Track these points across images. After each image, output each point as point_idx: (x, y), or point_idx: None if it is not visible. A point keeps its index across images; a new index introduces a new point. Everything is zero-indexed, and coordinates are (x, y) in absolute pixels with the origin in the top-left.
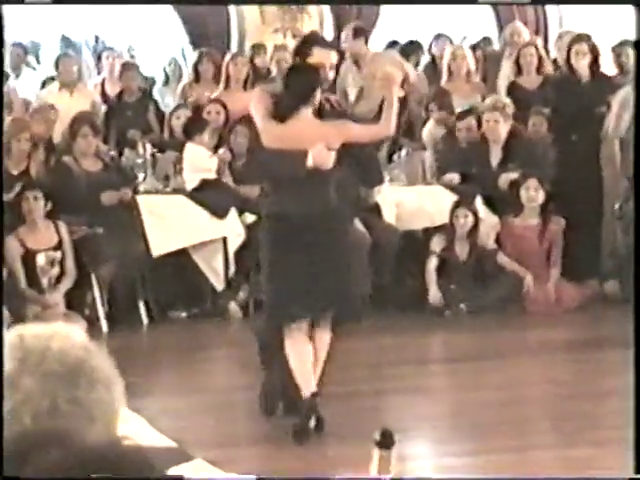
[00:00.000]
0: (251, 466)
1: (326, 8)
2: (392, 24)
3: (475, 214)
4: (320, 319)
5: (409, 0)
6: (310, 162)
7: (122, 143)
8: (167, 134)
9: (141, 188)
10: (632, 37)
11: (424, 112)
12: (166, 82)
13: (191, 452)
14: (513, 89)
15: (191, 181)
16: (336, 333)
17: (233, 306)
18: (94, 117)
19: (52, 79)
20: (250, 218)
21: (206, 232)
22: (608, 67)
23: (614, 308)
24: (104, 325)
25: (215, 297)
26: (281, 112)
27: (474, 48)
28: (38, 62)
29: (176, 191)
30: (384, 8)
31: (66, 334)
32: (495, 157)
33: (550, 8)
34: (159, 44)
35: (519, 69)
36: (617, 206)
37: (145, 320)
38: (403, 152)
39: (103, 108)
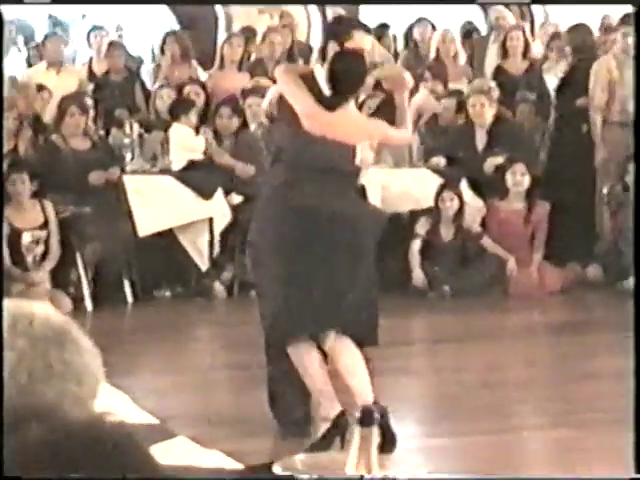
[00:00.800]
0: (233, 444)
1: None
2: (374, 8)
3: (460, 197)
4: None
5: (409, 0)
6: (359, 157)
7: (109, 122)
8: (153, 114)
9: (128, 168)
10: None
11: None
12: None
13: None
14: (499, 73)
15: (178, 161)
16: None
17: (218, 286)
18: (82, 96)
19: (39, 58)
20: (237, 199)
21: (192, 212)
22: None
23: (596, 292)
24: (89, 304)
25: (200, 277)
26: (328, 100)
27: (467, 33)
28: (26, 42)
29: (163, 171)
30: None
31: (45, 309)
32: (480, 141)
33: None
34: (148, 24)
35: (505, 53)
36: (605, 190)
37: (130, 299)
38: None
39: (90, 87)
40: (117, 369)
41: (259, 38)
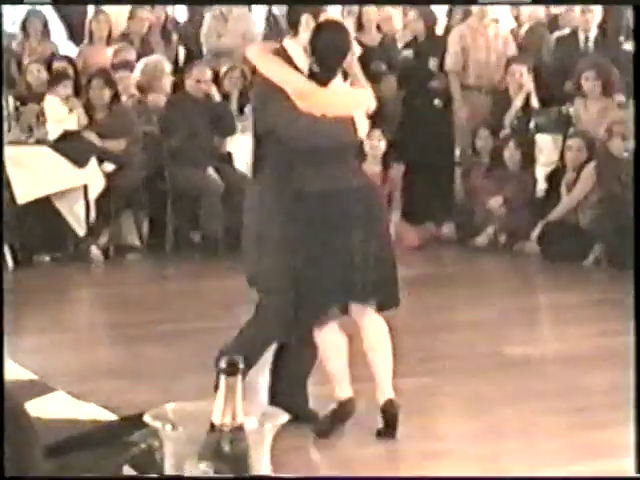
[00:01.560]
0: (111, 398)
1: None
2: None
3: None
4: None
5: (409, 0)
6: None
7: None
8: (24, 88)
9: (5, 139)
10: None
11: None
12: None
13: (53, 385)
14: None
15: (53, 132)
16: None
17: (94, 250)
18: None
19: None
20: (109, 167)
21: (67, 180)
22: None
23: (449, 249)
24: None
25: (77, 242)
26: (318, 75)
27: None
28: None
29: (39, 142)
30: None
31: None
32: None
33: None
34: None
35: (361, 26)
36: (457, 152)
37: (10, 264)
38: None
39: None
40: None
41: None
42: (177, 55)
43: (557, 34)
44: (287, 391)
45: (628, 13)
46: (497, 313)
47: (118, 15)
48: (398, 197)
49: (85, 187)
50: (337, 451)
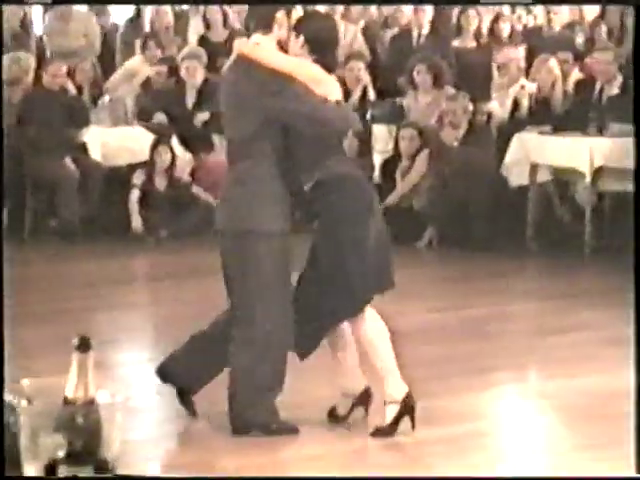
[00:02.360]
0: None
1: None
2: None
3: (172, 151)
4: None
5: (414, 1)
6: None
7: None
8: None
9: None
10: None
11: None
12: None
13: None
14: (203, 42)
15: None
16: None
17: None
18: None
19: None
20: None
21: None
22: None
23: (294, 234)
24: None
25: None
26: (324, 64)
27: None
28: None
29: None
30: None
31: None
32: (191, 100)
33: None
34: None
35: (207, 25)
36: None
37: None
38: (106, 97)
39: None
40: None
41: None
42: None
43: (390, 32)
44: None
45: (454, 13)
46: None
47: None
48: None
49: None
50: None
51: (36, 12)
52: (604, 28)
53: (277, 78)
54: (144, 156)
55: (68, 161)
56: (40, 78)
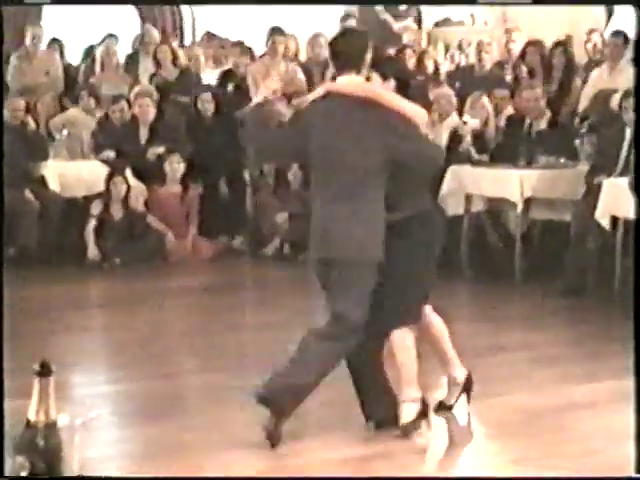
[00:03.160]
0: None
1: None
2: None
3: (127, 182)
4: None
5: (409, 0)
6: None
7: None
8: None
9: None
10: None
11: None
12: None
13: None
14: (155, 79)
15: None
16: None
17: None
18: None
19: None
20: None
21: None
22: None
23: (240, 259)
24: None
25: None
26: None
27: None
28: None
29: None
30: None
31: None
32: (143, 135)
33: (185, 11)
34: None
35: (158, 63)
36: (247, 175)
37: None
38: (65, 132)
39: None
40: None
41: None
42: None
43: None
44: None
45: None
46: (283, 315)
47: None
48: (195, 214)
49: None
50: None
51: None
52: (524, 68)
53: (401, 120)
54: (99, 188)
55: (27, 192)
56: None
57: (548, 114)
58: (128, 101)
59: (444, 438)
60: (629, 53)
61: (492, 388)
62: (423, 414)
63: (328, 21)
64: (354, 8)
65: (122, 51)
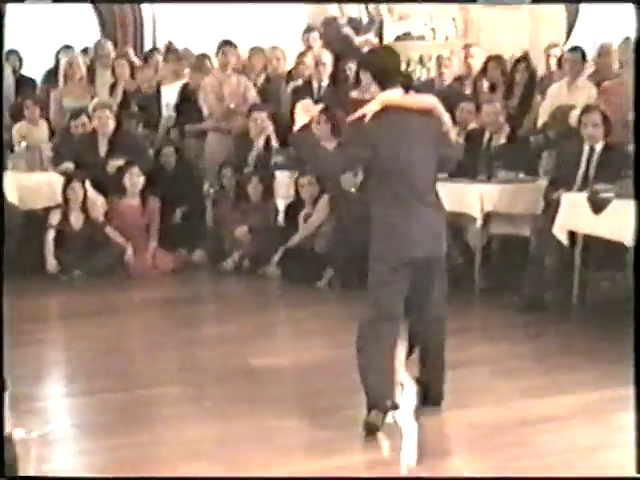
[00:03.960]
0: None
1: None
2: None
3: (85, 189)
4: None
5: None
6: None
7: None
8: None
9: None
10: None
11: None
12: None
13: None
14: (115, 91)
15: None
16: None
17: None
18: None
19: None
20: None
21: None
22: None
23: (200, 272)
24: None
25: None
26: None
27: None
28: None
29: None
30: None
31: None
32: (102, 148)
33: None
34: None
35: (116, 77)
36: (206, 187)
37: None
38: (23, 144)
39: None
40: None
41: None
42: None
43: (292, 84)
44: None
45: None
46: (242, 328)
47: None
48: (155, 227)
49: None
50: None
51: None
52: (485, 83)
53: (443, 128)
54: (59, 200)
55: None
56: None
57: (507, 129)
58: (88, 114)
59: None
60: (588, 70)
61: (452, 402)
62: None
63: (290, 34)
64: (317, 21)
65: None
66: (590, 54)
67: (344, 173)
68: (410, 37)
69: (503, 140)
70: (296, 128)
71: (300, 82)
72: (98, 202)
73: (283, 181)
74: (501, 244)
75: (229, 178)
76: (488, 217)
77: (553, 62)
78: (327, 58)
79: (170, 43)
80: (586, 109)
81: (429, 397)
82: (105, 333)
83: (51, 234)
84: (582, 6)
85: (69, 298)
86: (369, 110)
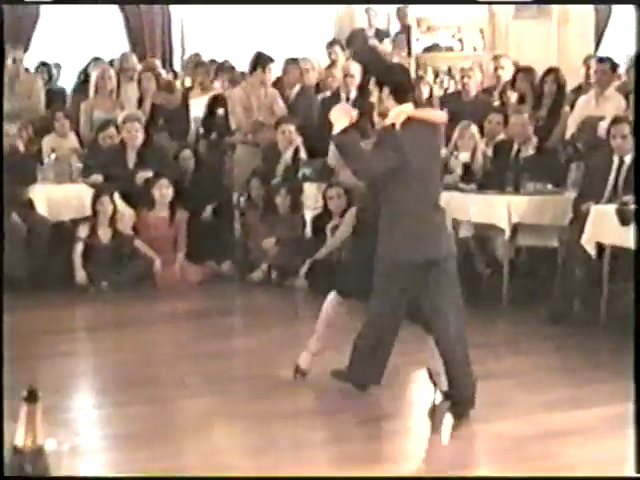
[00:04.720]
0: None
1: None
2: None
3: (114, 205)
4: None
5: (409, 0)
6: None
7: None
8: None
9: None
10: None
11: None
12: None
13: None
14: (143, 103)
15: None
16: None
17: None
18: None
19: None
20: None
21: None
22: None
23: (228, 284)
24: None
25: None
26: None
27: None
28: None
29: None
30: None
31: None
32: (131, 160)
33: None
34: None
35: (143, 89)
36: (235, 197)
37: None
38: (53, 156)
39: None
40: None
41: None
42: None
43: (321, 96)
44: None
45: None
46: (270, 340)
47: None
48: (183, 239)
49: None
50: None
51: None
52: (514, 94)
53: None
54: (87, 212)
55: (14, 216)
56: None
57: (535, 140)
58: (116, 126)
59: None
60: (617, 81)
61: (479, 415)
62: None
63: (315, 46)
64: (345, 32)
65: None
66: (621, 66)
67: (372, 175)
68: (438, 48)
69: (531, 151)
70: (336, 131)
71: (329, 94)
72: (127, 215)
73: (311, 193)
74: (528, 256)
75: (257, 189)
76: (516, 229)
77: (589, 74)
78: (355, 70)
79: (197, 55)
80: (615, 120)
81: (453, 410)
82: (133, 345)
83: (79, 247)
84: (612, 17)
85: (97, 310)
86: (397, 120)
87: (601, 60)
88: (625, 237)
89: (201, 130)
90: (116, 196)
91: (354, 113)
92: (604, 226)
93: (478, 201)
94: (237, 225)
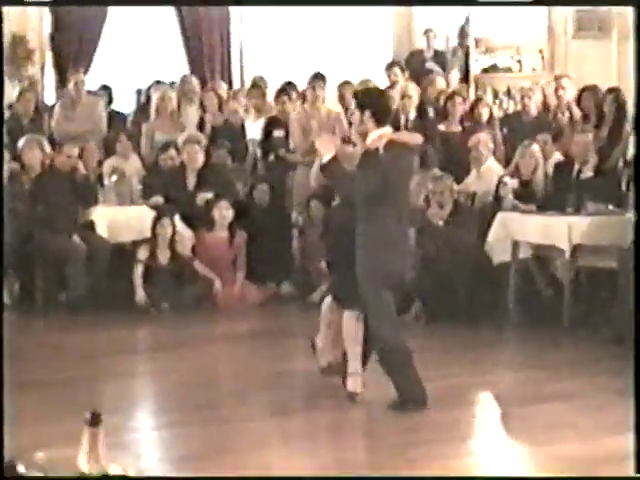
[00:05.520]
0: None
1: None
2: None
3: (174, 227)
4: None
5: (409, 1)
6: None
7: None
8: None
9: None
10: None
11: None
12: None
13: None
14: (203, 125)
15: None
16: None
17: None
18: None
19: None
20: None
21: None
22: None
23: (288, 305)
24: None
25: None
26: None
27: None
28: None
29: None
30: None
31: None
32: (191, 181)
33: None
34: None
35: (204, 109)
36: (294, 216)
37: None
38: (114, 177)
39: None
40: None
41: None
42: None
43: None
44: None
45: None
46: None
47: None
48: (242, 260)
49: None
50: None
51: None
52: (578, 112)
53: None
54: (147, 233)
55: (76, 237)
56: (52, 159)
57: (594, 160)
58: (176, 147)
59: None
60: None
61: (537, 437)
62: None
63: (375, 69)
64: (404, 54)
65: None
66: None
67: (357, 196)
68: (497, 69)
69: (591, 172)
70: (324, 160)
71: None
72: (186, 236)
73: None
74: (589, 276)
75: (316, 209)
76: (576, 249)
77: None
78: (413, 91)
79: (255, 78)
80: None
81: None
82: (193, 365)
83: (140, 268)
84: None
85: (158, 331)
86: (379, 144)
87: None
88: None
89: (258, 152)
90: (176, 218)
91: (338, 142)
92: None
93: (538, 222)
94: (296, 244)
